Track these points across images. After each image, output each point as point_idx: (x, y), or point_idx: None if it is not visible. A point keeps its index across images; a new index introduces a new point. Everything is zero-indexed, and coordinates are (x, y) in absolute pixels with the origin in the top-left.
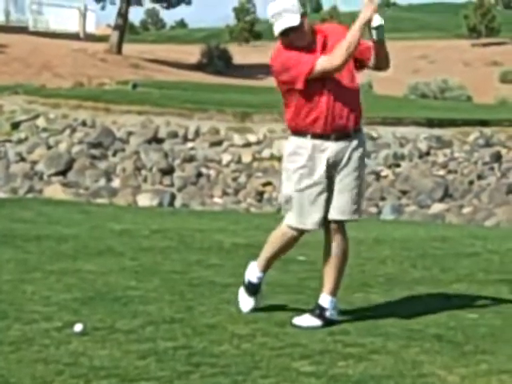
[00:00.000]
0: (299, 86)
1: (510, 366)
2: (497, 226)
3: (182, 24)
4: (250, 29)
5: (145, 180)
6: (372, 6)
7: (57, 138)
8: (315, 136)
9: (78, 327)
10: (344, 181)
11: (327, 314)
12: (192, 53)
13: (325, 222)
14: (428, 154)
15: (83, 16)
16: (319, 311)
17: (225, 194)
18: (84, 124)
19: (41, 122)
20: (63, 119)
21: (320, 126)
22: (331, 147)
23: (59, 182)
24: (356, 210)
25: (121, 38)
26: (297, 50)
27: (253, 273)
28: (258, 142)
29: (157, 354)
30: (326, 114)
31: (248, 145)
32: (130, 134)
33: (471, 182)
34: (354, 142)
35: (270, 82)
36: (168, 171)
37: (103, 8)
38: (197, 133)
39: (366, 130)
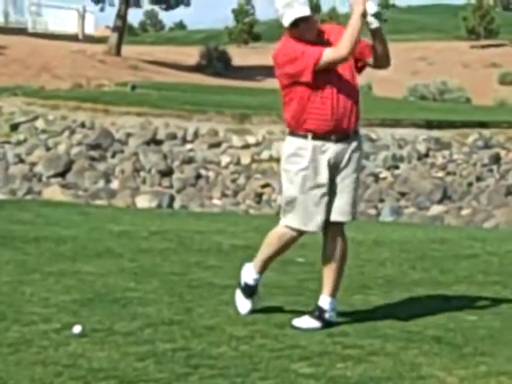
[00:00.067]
0: (307, 78)
1: (508, 368)
2: (496, 227)
3: (180, 25)
4: (249, 30)
5: (144, 181)
6: (358, 3)
7: (56, 140)
8: (316, 137)
9: (77, 329)
10: (344, 182)
11: (326, 315)
12: (191, 54)
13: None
14: (427, 155)
15: (82, 17)
16: (318, 313)
17: (224, 195)
18: (83, 125)
19: (40, 123)
20: (62, 121)
21: (323, 123)
22: (332, 148)
23: (58, 183)
24: (355, 212)
25: (120, 40)
26: (304, 43)
27: (249, 274)
28: (257, 144)
29: (155, 355)
30: (331, 110)
31: (247, 146)
32: (128, 135)
33: (470, 184)
34: (353, 144)
35: (269, 83)
36: (167, 173)
37: (102, 9)
38: (196, 134)
39: (364, 131)
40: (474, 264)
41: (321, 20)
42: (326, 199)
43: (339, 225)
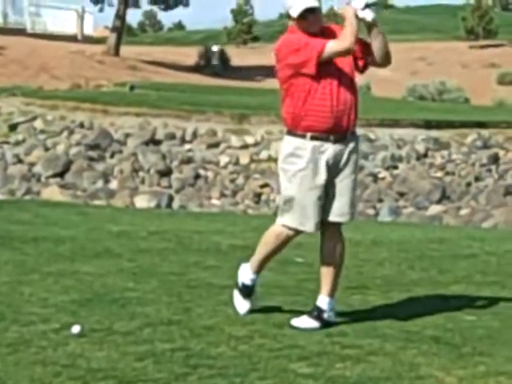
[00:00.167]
0: (311, 70)
1: (507, 368)
2: (494, 227)
3: (179, 26)
4: (248, 31)
5: (142, 182)
6: (347, 7)
7: (54, 140)
8: (315, 137)
9: (76, 329)
10: (342, 183)
11: (325, 315)
12: (189, 54)
13: (322, 224)
14: (426, 155)
15: (81, 18)
16: (317, 313)
17: (222, 195)
18: (82, 126)
19: (38, 123)
20: (61, 121)
21: (322, 120)
22: (330, 149)
23: (57, 183)
24: (353, 213)
25: (118, 40)
26: (308, 36)
27: (245, 275)
28: (256, 144)
29: (154, 355)
30: (331, 106)
31: (246, 146)
32: (127, 135)
33: (469, 184)
34: (351, 145)
35: (268, 83)
36: (166, 173)
37: (101, 10)
38: (194, 134)
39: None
40: (472, 264)
41: None
42: (322, 200)
43: (337, 225)
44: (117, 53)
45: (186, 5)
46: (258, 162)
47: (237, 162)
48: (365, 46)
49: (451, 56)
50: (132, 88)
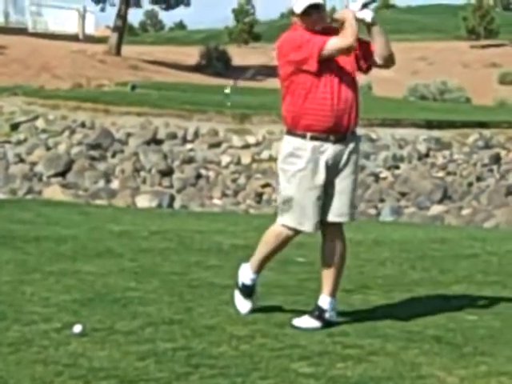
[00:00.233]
0: (312, 67)
1: (509, 368)
2: (496, 227)
3: (180, 25)
4: (249, 30)
5: (144, 181)
6: (345, 11)
7: (56, 140)
8: (314, 137)
9: (78, 328)
10: (342, 183)
11: (326, 315)
12: (191, 54)
13: (322, 224)
14: (427, 155)
15: (82, 17)
16: (318, 312)
17: (224, 195)
18: (83, 125)
19: (40, 123)
20: (62, 120)
21: (322, 119)
22: (330, 149)
23: (58, 183)
24: (353, 213)
25: (120, 40)
26: (311, 33)
27: (246, 275)
28: (257, 144)
29: (156, 355)
30: (331, 105)
31: (247, 146)
32: (128, 135)
33: (470, 184)
34: (351, 145)
35: (269, 83)
36: (167, 172)
37: (102, 9)
38: (196, 134)
39: (365, 131)
40: (473, 264)
41: None
42: (321, 201)
43: (337, 225)
44: (118, 52)
45: (188, 4)
46: (260, 162)
47: (238, 162)
48: (366, 47)
49: (452, 56)
50: (133, 88)
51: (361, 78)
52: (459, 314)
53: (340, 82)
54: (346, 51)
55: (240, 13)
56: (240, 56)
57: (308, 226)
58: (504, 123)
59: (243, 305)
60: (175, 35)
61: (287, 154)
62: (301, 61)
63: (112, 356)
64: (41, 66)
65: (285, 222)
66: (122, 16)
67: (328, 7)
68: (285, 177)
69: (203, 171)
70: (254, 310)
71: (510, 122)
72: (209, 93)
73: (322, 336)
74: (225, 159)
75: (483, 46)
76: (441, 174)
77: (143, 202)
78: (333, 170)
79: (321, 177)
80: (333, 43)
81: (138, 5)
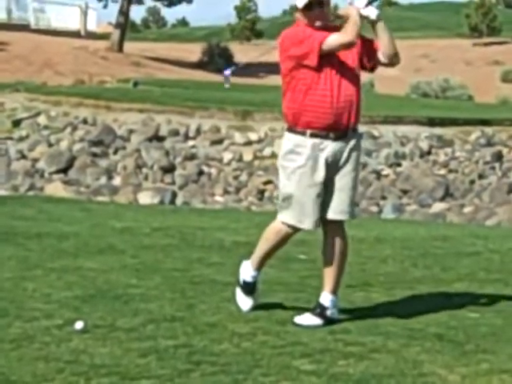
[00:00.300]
0: (312, 62)
1: (510, 366)
2: (498, 225)
3: (183, 22)
4: (252, 27)
5: (146, 178)
6: (348, 7)
7: (58, 136)
8: (314, 134)
9: (79, 325)
10: (342, 181)
11: (328, 312)
12: (193, 51)
13: (323, 222)
14: (429, 153)
15: (84, 14)
16: (320, 310)
17: (226, 192)
18: (85, 122)
19: (42, 119)
20: (64, 117)
21: (322, 116)
22: (330, 146)
23: (60, 179)
24: (353, 210)
25: (122, 36)
26: (313, 29)
27: (247, 272)
28: (259, 141)
29: (157, 352)
30: (331, 102)
31: (249, 143)
32: (131, 131)
33: (472, 182)
34: (352, 142)
35: (272, 80)
36: (169, 169)
37: (105, 6)
38: (198, 131)
39: (367, 128)
40: (475, 261)
41: None
42: (321, 198)
43: (338, 223)
44: (120, 49)
45: (190, 1)
46: (262, 159)
47: (240, 159)
48: (369, 45)
49: (455, 53)
50: (135, 84)
51: (363, 76)
52: (461, 311)
53: (341, 78)
54: (347, 47)
55: (242, 10)
56: (242, 53)
57: (308, 223)
58: (506, 121)
59: (245, 302)
60: (177, 32)
61: (287, 150)
62: (302, 56)
63: (113, 353)
64: (43, 63)
65: (284, 219)
66: (124, 12)
67: (331, 4)
68: (285, 174)
69: (205, 168)
70: (255, 308)
71: None
72: (211, 90)
73: (323, 333)
74: (227, 156)
75: (486, 44)
76: (443, 171)
77: (145, 198)
78: (333, 167)
79: (320, 174)
80: (333, 39)
81: (140, 1)
